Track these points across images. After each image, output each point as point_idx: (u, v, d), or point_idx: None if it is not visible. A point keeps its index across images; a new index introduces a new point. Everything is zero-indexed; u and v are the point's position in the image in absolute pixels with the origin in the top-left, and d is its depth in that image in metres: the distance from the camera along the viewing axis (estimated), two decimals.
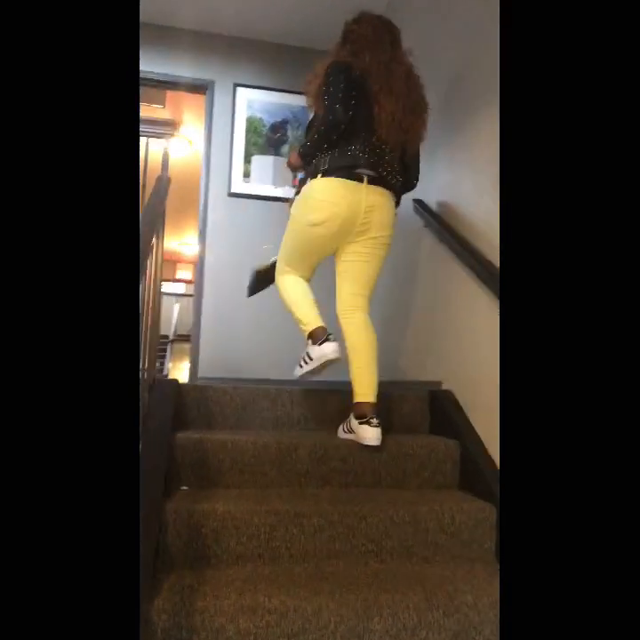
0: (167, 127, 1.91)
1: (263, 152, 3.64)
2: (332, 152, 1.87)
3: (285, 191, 3.61)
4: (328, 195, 1.85)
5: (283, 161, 3.64)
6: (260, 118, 3.66)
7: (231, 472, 1.75)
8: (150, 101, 3.91)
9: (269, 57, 3.72)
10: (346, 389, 2.07)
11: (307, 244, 1.95)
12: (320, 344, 1.83)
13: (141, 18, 3.51)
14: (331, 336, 1.85)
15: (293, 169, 2.13)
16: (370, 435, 1.76)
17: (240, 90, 3.65)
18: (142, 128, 1.93)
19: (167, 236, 8.84)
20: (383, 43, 1.96)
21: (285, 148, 3.67)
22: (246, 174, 3.60)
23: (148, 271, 1.71)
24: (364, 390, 1.86)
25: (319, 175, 1.86)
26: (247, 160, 3.62)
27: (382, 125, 1.87)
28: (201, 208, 3.55)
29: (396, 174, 1.95)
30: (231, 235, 3.56)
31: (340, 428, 1.96)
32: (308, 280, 2.04)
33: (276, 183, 3.61)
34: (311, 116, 2.09)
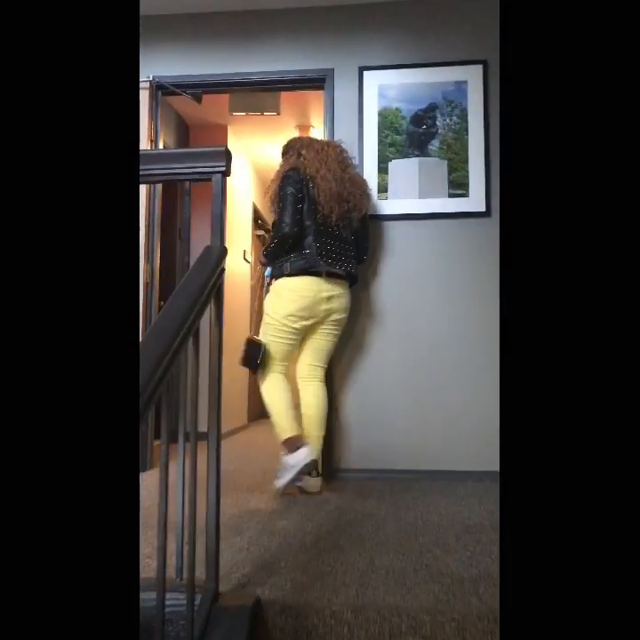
0: (215, 161, 1.00)
1: (404, 154, 2.67)
2: (291, 256, 2.18)
3: (438, 204, 2.60)
4: (297, 289, 2.18)
5: (432, 163, 2.63)
6: (398, 109, 2.69)
7: None
8: (261, 110, 3.16)
9: (404, 23, 2.72)
10: None
11: (286, 334, 2.23)
12: (295, 451, 2.10)
13: (223, 7, 2.75)
14: (305, 443, 2.13)
15: (262, 265, 2.37)
16: (312, 484, 2.19)
17: (368, 75, 2.71)
18: (173, 168, 1.08)
19: None
20: (319, 140, 2.41)
21: (435, 144, 2.65)
22: (382, 188, 2.66)
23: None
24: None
25: (285, 276, 2.20)
26: (382, 168, 2.67)
27: (322, 201, 2.17)
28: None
29: (347, 261, 2.26)
30: (369, 265, 2.65)
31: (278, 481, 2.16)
32: (287, 368, 2.32)
33: (422, 194, 2.62)
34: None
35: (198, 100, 2.94)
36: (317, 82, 2.79)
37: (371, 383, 2.59)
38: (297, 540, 1.60)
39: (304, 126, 4.00)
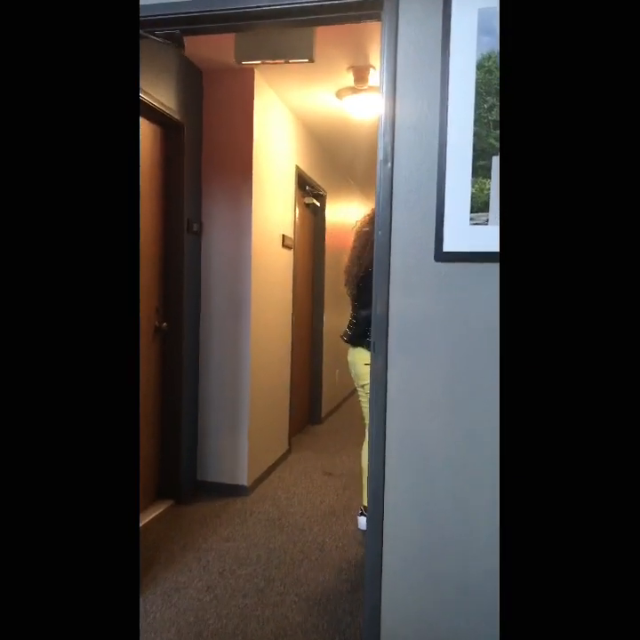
0: None
1: None
2: None
3: None
4: None
5: None
6: None
7: None
8: (285, 56, 1.97)
9: None
10: None
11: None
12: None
13: None
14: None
15: None
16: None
17: None
18: None
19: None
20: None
21: None
22: (479, 205, 1.51)
23: None
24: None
25: None
26: (479, 169, 1.51)
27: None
28: (375, 285, 1.61)
29: (354, 327, 2.68)
30: (445, 345, 1.56)
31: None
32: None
33: None
34: None
35: (179, 43, 1.84)
36: (370, 7, 1.60)
37: (445, 536, 1.57)
38: None
39: (360, 68, 2.77)
